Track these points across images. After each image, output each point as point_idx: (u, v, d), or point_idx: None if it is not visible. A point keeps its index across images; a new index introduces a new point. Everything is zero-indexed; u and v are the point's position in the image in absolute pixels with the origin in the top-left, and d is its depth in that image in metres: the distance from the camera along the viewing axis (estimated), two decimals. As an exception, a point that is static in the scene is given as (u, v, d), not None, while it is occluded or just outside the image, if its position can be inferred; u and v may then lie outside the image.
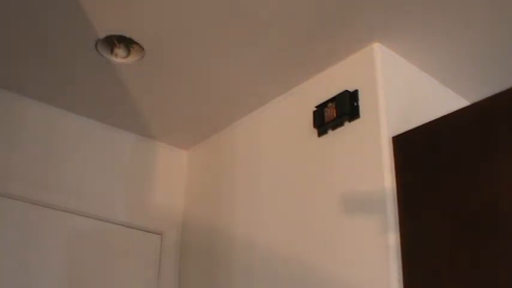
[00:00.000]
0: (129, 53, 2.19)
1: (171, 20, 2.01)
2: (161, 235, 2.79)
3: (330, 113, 2.13)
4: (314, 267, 2.00)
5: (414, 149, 1.86)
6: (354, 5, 1.90)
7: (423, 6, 1.90)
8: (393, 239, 1.78)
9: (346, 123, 2.07)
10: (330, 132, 2.13)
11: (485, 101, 1.70)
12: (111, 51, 2.19)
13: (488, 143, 1.63)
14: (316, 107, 2.20)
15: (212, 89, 2.44)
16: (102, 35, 2.09)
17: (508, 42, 2.08)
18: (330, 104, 2.14)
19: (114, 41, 2.14)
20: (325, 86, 2.22)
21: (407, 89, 2.13)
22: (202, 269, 2.61)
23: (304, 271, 2.03)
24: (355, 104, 2.06)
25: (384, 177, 1.86)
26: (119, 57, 2.21)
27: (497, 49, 2.11)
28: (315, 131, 2.19)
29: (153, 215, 2.80)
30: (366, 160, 1.95)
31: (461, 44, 2.09)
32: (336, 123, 2.10)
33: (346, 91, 2.09)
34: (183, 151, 3.03)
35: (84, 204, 2.57)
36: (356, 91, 2.08)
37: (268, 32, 2.05)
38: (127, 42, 2.14)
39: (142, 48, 2.16)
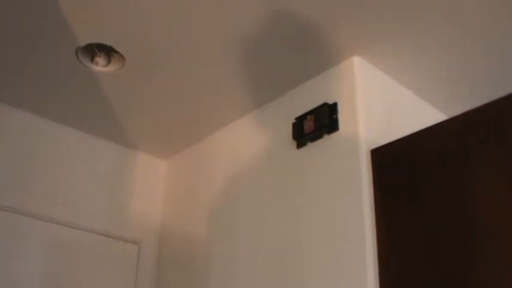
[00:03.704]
0: (109, 61, 2.19)
1: (152, 30, 2.00)
2: (138, 244, 2.77)
3: (309, 125, 2.13)
4: (293, 272, 2.00)
5: (392, 162, 1.88)
6: (334, 18, 1.92)
7: (402, 22, 1.92)
8: (371, 250, 1.79)
9: (325, 136, 2.08)
10: (309, 144, 2.14)
11: (463, 115, 1.72)
12: (92, 60, 2.18)
13: (466, 156, 1.65)
14: (296, 118, 2.20)
15: (192, 100, 2.44)
16: (82, 42, 2.08)
17: (484, 58, 2.11)
18: (309, 116, 2.15)
19: (94, 49, 2.13)
20: (305, 98, 2.23)
21: (386, 103, 2.15)
22: (180, 279, 2.59)
23: (284, 278, 2.03)
24: (334, 116, 2.07)
25: (362, 190, 1.87)
26: (99, 66, 2.20)
27: (474, 64, 2.15)
28: (294, 143, 2.20)
29: (131, 225, 2.77)
30: (345, 172, 1.96)
31: (439, 59, 2.12)
32: (315, 136, 2.11)
33: (326, 104, 2.10)
34: (163, 161, 3.02)
35: (63, 212, 2.54)
36: (335, 104, 2.09)
37: (248, 44, 2.06)
38: (107, 51, 2.13)
39: (123, 58, 2.16)
